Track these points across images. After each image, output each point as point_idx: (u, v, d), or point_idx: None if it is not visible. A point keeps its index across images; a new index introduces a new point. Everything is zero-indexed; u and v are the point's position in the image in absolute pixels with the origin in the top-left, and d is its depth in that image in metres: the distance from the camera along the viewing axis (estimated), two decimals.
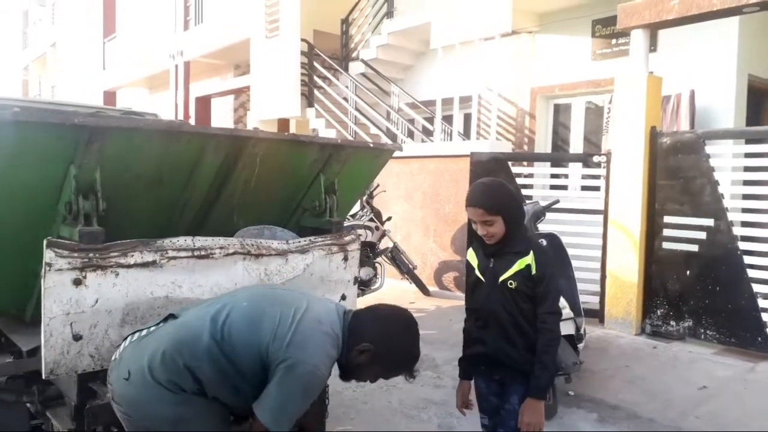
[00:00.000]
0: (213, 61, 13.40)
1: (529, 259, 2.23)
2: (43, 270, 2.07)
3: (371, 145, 3.10)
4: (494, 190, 2.28)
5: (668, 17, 5.25)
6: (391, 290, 7.27)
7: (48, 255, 2.07)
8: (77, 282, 2.14)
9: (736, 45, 6.74)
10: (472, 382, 2.47)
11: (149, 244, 2.30)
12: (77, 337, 2.16)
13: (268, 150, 2.61)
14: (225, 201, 2.71)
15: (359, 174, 3.13)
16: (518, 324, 2.25)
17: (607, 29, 7.67)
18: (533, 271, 2.22)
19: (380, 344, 2.01)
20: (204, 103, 13.81)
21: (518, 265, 2.23)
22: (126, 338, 2.08)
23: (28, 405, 2.56)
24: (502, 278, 2.25)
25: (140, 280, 2.28)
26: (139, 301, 2.28)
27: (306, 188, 2.98)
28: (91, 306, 2.18)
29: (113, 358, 2.05)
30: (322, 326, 1.96)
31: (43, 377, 2.13)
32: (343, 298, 2.98)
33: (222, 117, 14.72)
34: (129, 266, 2.25)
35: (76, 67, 21.19)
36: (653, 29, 5.70)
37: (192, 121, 13.51)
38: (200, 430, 1.93)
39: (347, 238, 2.95)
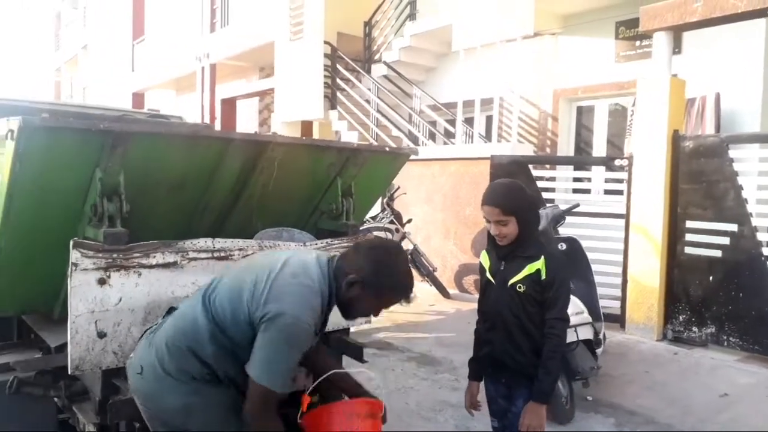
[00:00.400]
0: (238, 63, 13.58)
1: (539, 264, 2.25)
2: (69, 270, 2.16)
3: (387, 149, 3.15)
4: (512, 191, 2.31)
5: (691, 20, 5.20)
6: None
7: (74, 255, 2.16)
8: (102, 281, 2.23)
9: (763, 46, 6.63)
10: (482, 383, 2.49)
11: (170, 245, 2.38)
12: (101, 335, 2.25)
13: (286, 154, 2.68)
14: (244, 204, 2.78)
15: (376, 177, 3.18)
16: (524, 327, 2.27)
17: (631, 31, 7.60)
18: (543, 276, 2.24)
19: (366, 272, 1.99)
20: (230, 104, 14.01)
21: (528, 269, 2.25)
22: (141, 335, 2.16)
23: (55, 399, 2.66)
24: (511, 281, 2.27)
25: (162, 280, 2.36)
26: (160, 300, 2.35)
27: (323, 191, 3.03)
28: (114, 305, 2.26)
29: (130, 355, 2.13)
30: (298, 278, 1.94)
31: (69, 372, 2.22)
32: None
33: (247, 119, 14.91)
34: (151, 266, 2.33)
35: (106, 68, 21.63)
36: (676, 31, 5.64)
37: (218, 123, 13.72)
38: (210, 419, 1.97)
39: None
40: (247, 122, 14.90)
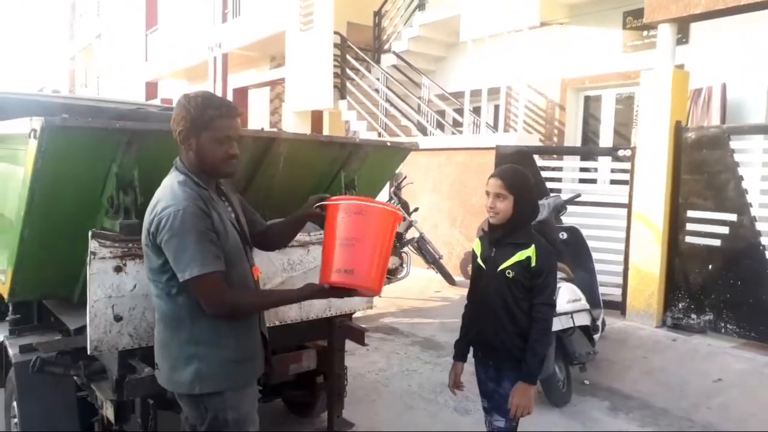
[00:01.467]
0: (249, 53, 13.71)
1: (530, 251, 2.37)
2: (88, 258, 2.33)
3: (389, 144, 3.28)
4: (519, 173, 2.46)
5: (695, 11, 5.25)
6: (417, 279, 7.47)
7: (93, 245, 2.33)
8: (118, 269, 2.40)
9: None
10: (467, 365, 2.63)
11: None
12: (118, 318, 2.42)
13: (291, 149, 2.82)
14: (252, 196, 2.92)
15: (378, 170, 3.32)
16: (511, 312, 2.39)
17: (638, 21, 7.61)
18: (533, 263, 2.36)
19: (181, 120, 2.01)
20: (241, 94, 14.17)
21: (518, 256, 2.38)
22: None
23: (75, 378, 2.84)
24: (501, 267, 2.40)
25: None
26: None
27: (328, 184, 3.18)
28: (130, 291, 2.43)
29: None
30: (158, 190, 2.03)
31: (88, 353, 2.40)
32: None
33: (259, 108, 15.06)
34: None
35: (120, 58, 21.87)
36: (680, 23, 5.69)
37: None
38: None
39: None
40: (258, 112, 15.05)
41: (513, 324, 2.38)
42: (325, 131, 11.54)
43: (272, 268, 2.87)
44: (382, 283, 2.11)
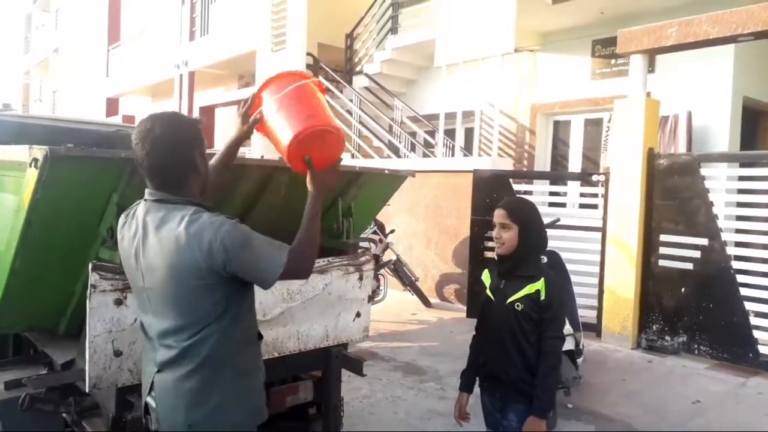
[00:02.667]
0: (217, 71, 13.59)
1: (539, 284, 2.39)
2: (89, 291, 2.24)
3: (387, 171, 3.28)
4: (524, 204, 2.53)
5: (666, 44, 5.46)
6: (394, 301, 7.45)
7: (93, 277, 2.24)
8: (119, 302, 2.31)
9: (731, 67, 6.98)
10: (471, 395, 2.63)
11: None
12: (118, 353, 2.33)
13: (292, 177, 2.78)
14: (252, 224, 2.87)
15: (374, 197, 3.31)
16: (519, 344, 2.41)
17: (607, 49, 7.89)
18: (543, 297, 2.38)
19: (166, 148, 1.81)
20: (208, 112, 14.00)
21: (528, 289, 2.40)
22: None
23: (64, 415, 2.72)
24: (510, 300, 2.41)
25: None
26: None
27: (325, 211, 3.15)
28: (130, 324, 2.34)
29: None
30: (185, 226, 1.76)
31: (87, 391, 2.30)
32: (358, 315, 3.15)
33: (226, 127, 14.89)
34: None
35: (79, 73, 21.37)
36: (651, 54, 5.91)
37: None
38: None
39: (362, 259, 3.13)
40: (225, 130, 14.88)
41: (521, 356, 2.39)
42: None
43: (272, 299, 2.81)
44: None
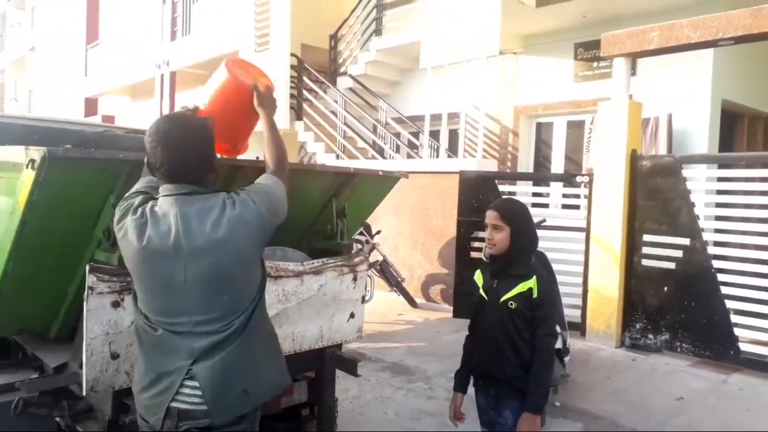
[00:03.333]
0: (199, 71, 13.47)
1: (531, 283, 2.44)
2: (86, 293, 2.22)
3: (381, 173, 3.31)
4: (515, 205, 2.57)
5: (648, 47, 5.56)
6: (380, 302, 7.47)
7: (90, 279, 2.23)
8: (116, 304, 2.30)
9: (710, 71, 7.12)
10: (465, 395, 2.65)
11: None
12: (115, 356, 2.32)
13: (288, 178, 2.79)
14: None
15: (367, 199, 3.34)
16: (514, 343, 2.45)
17: (589, 52, 8.00)
18: (535, 295, 2.42)
19: (150, 151, 1.94)
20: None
21: (520, 288, 2.44)
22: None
23: (57, 419, 2.69)
24: (503, 298, 2.45)
25: None
26: None
27: (318, 212, 3.16)
28: (127, 326, 2.33)
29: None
30: (224, 205, 1.94)
31: (84, 394, 2.28)
32: (352, 316, 3.17)
33: None
34: None
35: (56, 72, 21.04)
36: (634, 57, 6.01)
37: None
38: None
39: (356, 260, 3.15)
40: None
41: (515, 354, 2.43)
42: None
43: (268, 300, 2.79)
44: None
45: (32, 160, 2.10)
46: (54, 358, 2.73)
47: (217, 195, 1.95)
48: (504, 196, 2.67)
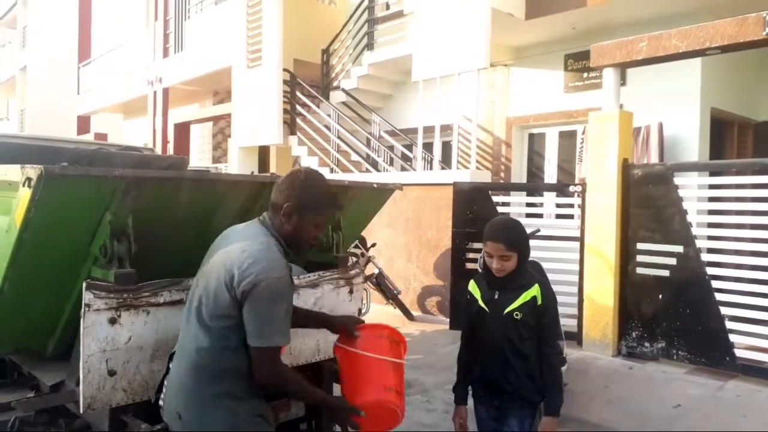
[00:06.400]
0: (192, 88, 13.54)
1: (534, 291, 2.45)
2: (83, 310, 2.23)
3: (375, 185, 3.33)
4: (515, 228, 2.52)
5: (637, 57, 5.63)
6: (376, 315, 7.44)
7: (87, 296, 2.23)
8: (113, 321, 2.30)
9: (699, 79, 7.21)
10: (467, 407, 2.65)
11: (177, 283, 2.47)
12: (112, 373, 2.31)
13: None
14: None
15: (362, 211, 3.35)
16: (520, 352, 2.45)
17: (579, 63, 8.08)
18: (539, 302, 2.44)
19: (295, 196, 2.11)
20: (183, 129, 13.91)
21: (524, 297, 2.44)
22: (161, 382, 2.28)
23: None
24: (508, 309, 2.45)
25: (169, 318, 2.44)
26: (167, 338, 2.44)
27: None
28: (125, 343, 2.33)
29: (161, 403, 2.26)
30: (255, 245, 2.03)
31: (81, 412, 2.27)
32: None
33: (201, 143, 14.82)
34: (159, 305, 2.41)
35: (48, 91, 21.07)
36: (623, 68, 6.08)
37: (171, 147, 13.60)
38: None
39: (352, 273, 3.16)
40: (200, 147, 14.81)
41: (522, 364, 2.43)
42: (273, 167, 11.47)
43: None
44: None
45: (29, 179, 2.12)
46: (50, 376, 2.73)
47: (259, 231, 2.13)
48: (497, 219, 2.64)
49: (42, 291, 2.51)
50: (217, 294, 2.00)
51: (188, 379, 2.06)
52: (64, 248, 2.41)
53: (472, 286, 2.63)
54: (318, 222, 2.18)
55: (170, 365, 2.24)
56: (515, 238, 2.45)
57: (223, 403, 2.02)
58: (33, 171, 2.09)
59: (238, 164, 11.04)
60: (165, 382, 2.23)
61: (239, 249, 2.03)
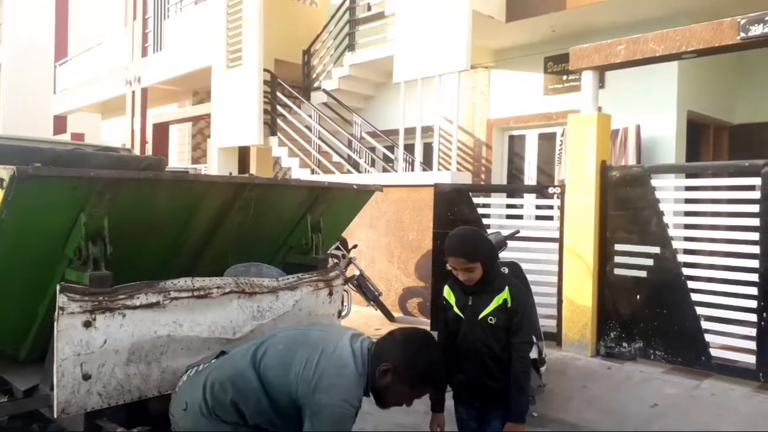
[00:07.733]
0: (171, 87, 13.40)
1: (505, 294, 2.46)
2: (56, 314, 2.19)
3: (355, 186, 3.32)
4: (473, 240, 2.52)
5: (615, 60, 5.69)
6: (358, 316, 7.43)
7: (61, 299, 2.19)
8: (87, 324, 2.27)
9: (676, 83, 7.31)
10: (443, 415, 2.64)
11: (153, 285, 2.44)
12: (86, 377, 2.28)
13: (261, 194, 2.79)
14: (219, 241, 2.87)
15: (342, 212, 3.35)
16: (496, 355, 2.47)
17: (559, 66, 8.16)
18: (509, 304, 2.45)
19: (399, 361, 2.15)
20: (162, 129, 13.76)
21: (496, 302, 2.46)
22: (185, 372, 2.25)
23: None
24: (482, 315, 2.47)
25: (145, 321, 2.41)
26: (143, 341, 2.41)
27: (293, 227, 3.16)
28: (99, 346, 2.30)
29: (174, 391, 2.25)
30: (345, 368, 2.12)
31: (55, 417, 2.23)
32: None
33: (180, 143, 14.67)
34: (135, 307, 2.38)
35: (24, 90, 20.71)
36: (602, 71, 6.14)
37: (149, 147, 13.45)
38: None
39: (332, 274, 3.15)
40: (179, 147, 14.66)
41: (498, 366, 2.45)
42: (253, 168, 11.39)
43: (242, 316, 2.80)
44: None
45: (1, 179, 2.07)
46: (24, 381, 2.67)
47: (355, 352, 2.22)
48: (455, 232, 2.61)
49: (15, 293, 2.46)
50: (286, 370, 2.09)
51: (218, 385, 2.15)
52: (38, 250, 2.37)
53: (447, 292, 2.63)
54: (409, 395, 2.21)
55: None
56: (473, 249, 2.46)
57: (223, 421, 2.13)
58: (5, 172, 2.05)
59: (217, 165, 10.95)
60: (188, 372, 2.29)
61: (338, 363, 2.10)
